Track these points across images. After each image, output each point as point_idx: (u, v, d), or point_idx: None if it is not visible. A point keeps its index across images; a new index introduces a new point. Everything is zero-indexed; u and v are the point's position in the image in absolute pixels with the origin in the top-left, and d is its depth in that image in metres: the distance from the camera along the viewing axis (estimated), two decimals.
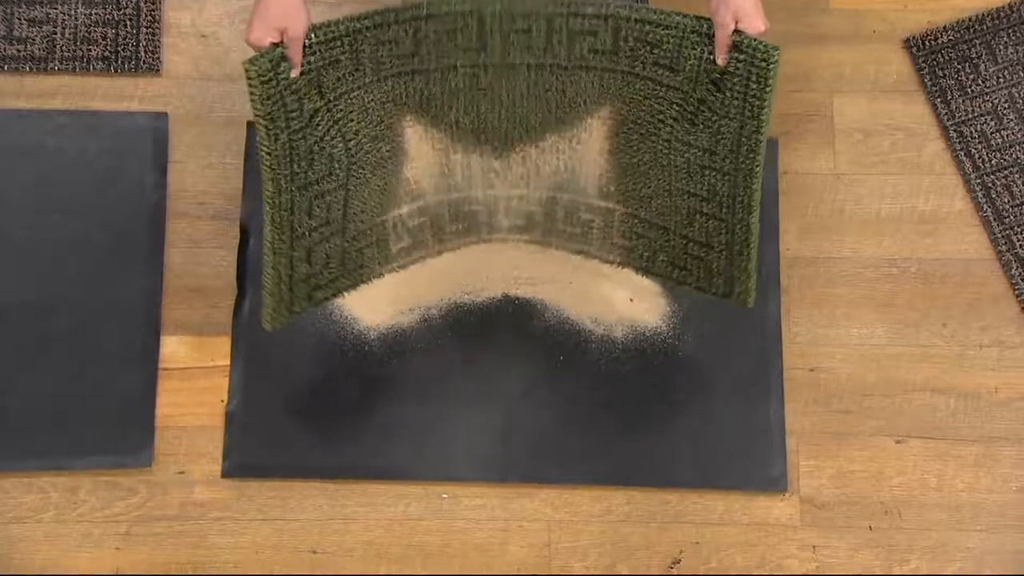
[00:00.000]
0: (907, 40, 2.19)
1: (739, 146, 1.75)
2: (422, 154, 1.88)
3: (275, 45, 1.65)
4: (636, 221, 1.92)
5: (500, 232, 1.99)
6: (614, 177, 1.89)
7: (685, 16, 1.71)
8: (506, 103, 1.81)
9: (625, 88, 1.79)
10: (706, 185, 1.81)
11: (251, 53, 1.64)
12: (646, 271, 1.97)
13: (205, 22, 2.18)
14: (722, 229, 1.83)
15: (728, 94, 1.72)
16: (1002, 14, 2.19)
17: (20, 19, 2.15)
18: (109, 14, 2.16)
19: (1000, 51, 2.18)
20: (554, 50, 1.76)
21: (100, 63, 2.14)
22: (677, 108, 1.77)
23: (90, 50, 2.14)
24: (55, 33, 2.15)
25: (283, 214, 1.76)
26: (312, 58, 1.69)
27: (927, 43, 2.19)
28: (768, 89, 1.69)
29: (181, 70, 2.15)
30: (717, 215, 1.83)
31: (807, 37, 2.19)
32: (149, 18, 2.16)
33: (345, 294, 1.93)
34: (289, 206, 1.76)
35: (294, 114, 1.71)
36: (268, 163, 1.72)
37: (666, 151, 1.82)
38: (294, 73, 1.68)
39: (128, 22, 2.16)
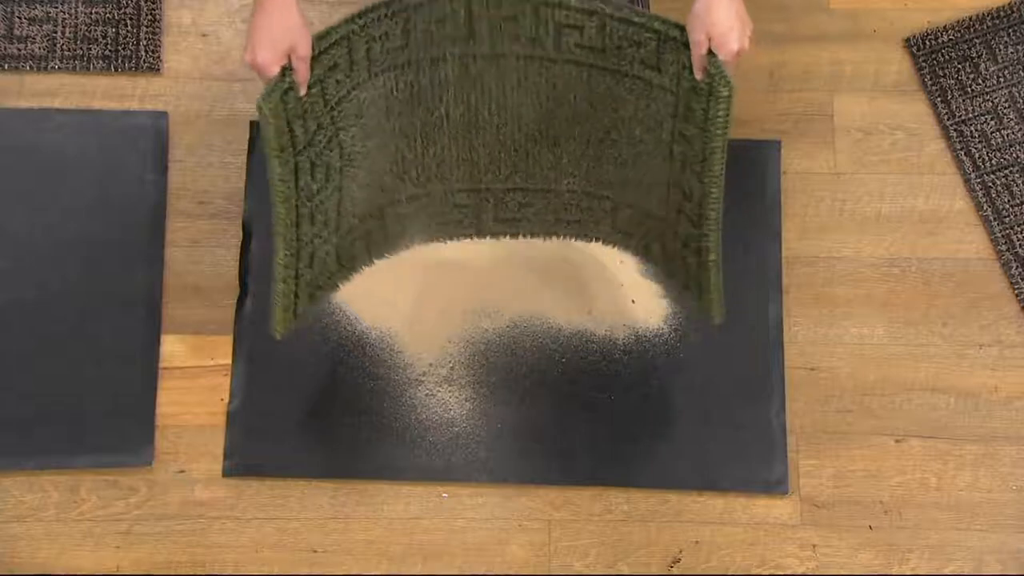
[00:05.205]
0: (907, 40, 2.19)
1: (703, 159, 1.73)
2: (411, 147, 1.87)
3: (283, 69, 1.62)
4: (635, 211, 1.92)
5: (492, 227, 1.99)
6: (613, 169, 1.89)
7: (664, 22, 1.67)
8: (496, 95, 1.81)
9: (615, 86, 1.78)
10: (687, 183, 1.80)
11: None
12: (644, 257, 1.99)
13: (205, 21, 2.18)
14: (695, 236, 1.83)
15: (700, 110, 1.70)
16: (1002, 14, 2.19)
17: (20, 18, 2.15)
18: (109, 13, 2.16)
19: (1000, 51, 2.18)
20: (542, 42, 1.75)
21: (100, 62, 2.14)
22: (670, 108, 1.76)
23: (90, 49, 2.14)
24: (55, 32, 2.15)
25: (291, 230, 1.76)
26: (317, 70, 1.67)
27: (927, 43, 2.19)
28: (717, 121, 1.65)
29: (181, 69, 2.15)
30: (692, 218, 1.82)
31: (807, 37, 2.19)
32: (149, 17, 2.16)
33: (339, 286, 1.94)
34: (295, 221, 1.76)
35: (299, 136, 1.70)
36: (281, 190, 1.71)
37: (669, 141, 1.81)
38: (302, 92, 1.65)
39: (128, 21, 2.16)
